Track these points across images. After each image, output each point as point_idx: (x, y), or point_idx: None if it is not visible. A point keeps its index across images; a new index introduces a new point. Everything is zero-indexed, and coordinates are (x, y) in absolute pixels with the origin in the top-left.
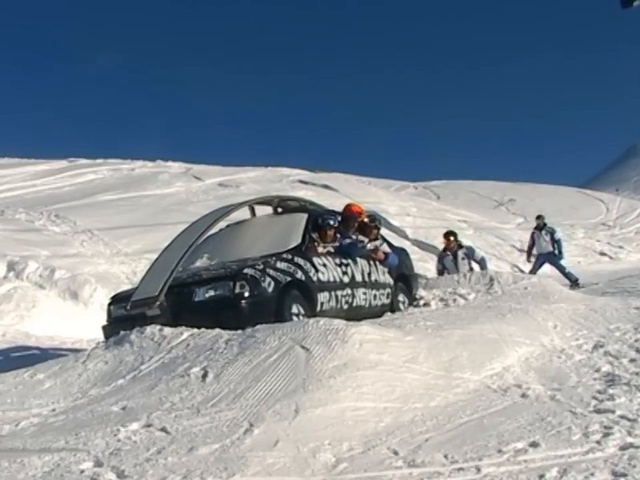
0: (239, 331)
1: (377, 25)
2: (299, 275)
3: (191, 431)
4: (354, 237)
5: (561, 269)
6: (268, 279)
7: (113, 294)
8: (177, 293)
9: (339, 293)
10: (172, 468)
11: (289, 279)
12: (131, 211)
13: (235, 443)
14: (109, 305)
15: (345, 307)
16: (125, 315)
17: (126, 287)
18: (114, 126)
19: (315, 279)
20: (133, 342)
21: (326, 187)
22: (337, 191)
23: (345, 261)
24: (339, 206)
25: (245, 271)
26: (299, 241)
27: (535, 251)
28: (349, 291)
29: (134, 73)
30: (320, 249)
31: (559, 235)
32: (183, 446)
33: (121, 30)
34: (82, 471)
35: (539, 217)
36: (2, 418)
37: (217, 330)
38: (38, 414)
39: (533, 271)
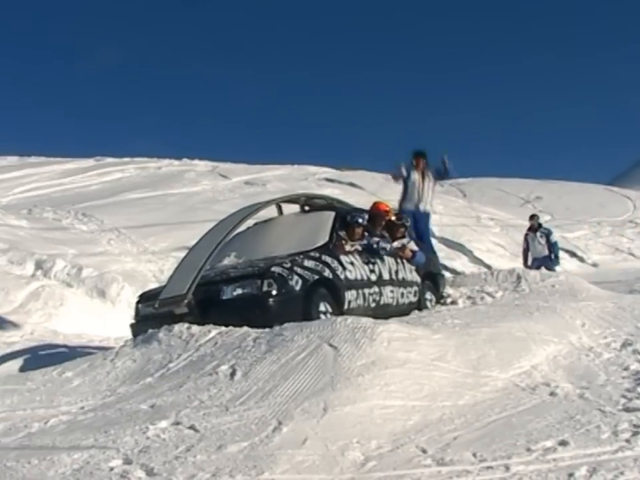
0: (267, 329)
1: (402, 18)
2: (327, 273)
3: (219, 429)
4: (382, 235)
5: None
6: (295, 277)
7: (140, 292)
8: (205, 291)
9: (367, 291)
10: (201, 466)
11: (316, 277)
12: (157, 210)
13: (264, 440)
14: (137, 303)
15: (373, 305)
16: (153, 313)
17: (153, 285)
18: (139, 124)
19: (342, 277)
20: (161, 340)
21: (352, 184)
22: (363, 189)
23: (372, 259)
24: (365, 204)
25: (273, 269)
26: (327, 239)
27: (529, 255)
28: (377, 289)
29: (151, 71)
30: (347, 247)
31: (554, 237)
32: (212, 444)
33: (142, 26)
34: (111, 469)
35: (532, 217)
36: (31, 416)
37: (245, 328)
38: (67, 412)
39: None
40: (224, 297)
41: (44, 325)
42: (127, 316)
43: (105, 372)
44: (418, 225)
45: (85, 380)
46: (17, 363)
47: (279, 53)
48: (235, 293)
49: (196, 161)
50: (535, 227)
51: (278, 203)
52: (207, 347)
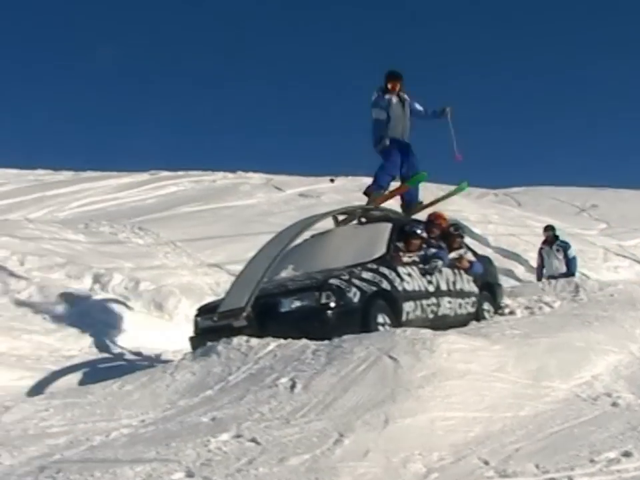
0: (326, 341)
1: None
2: (385, 284)
3: (281, 442)
4: (440, 245)
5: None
6: (354, 289)
7: (198, 305)
8: (263, 304)
9: (425, 302)
10: (263, 478)
11: (374, 288)
12: (212, 223)
13: (326, 453)
14: (196, 316)
15: (431, 316)
16: (212, 326)
17: (209, 298)
18: (196, 137)
19: (400, 288)
20: (220, 353)
21: None
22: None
23: (429, 270)
24: (419, 214)
25: (331, 281)
26: (384, 250)
27: (545, 272)
28: (435, 300)
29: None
30: (405, 259)
31: (573, 251)
32: (274, 456)
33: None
34: None
35: (547, 229)
36: (93, 429)
37: (304, 340)
38: (128, 425)
39: None
40: (282, 310)
41: (102, 338)
42: (184, 329)
43: (165, 385)
44: (411, 158)
45: (145, 393)
46: (76, 377)
47: (329, 63)
48: (293, 306)
49: (250, 174)
50: (550, 239)
51: (335, 215)
52: (266, 360)
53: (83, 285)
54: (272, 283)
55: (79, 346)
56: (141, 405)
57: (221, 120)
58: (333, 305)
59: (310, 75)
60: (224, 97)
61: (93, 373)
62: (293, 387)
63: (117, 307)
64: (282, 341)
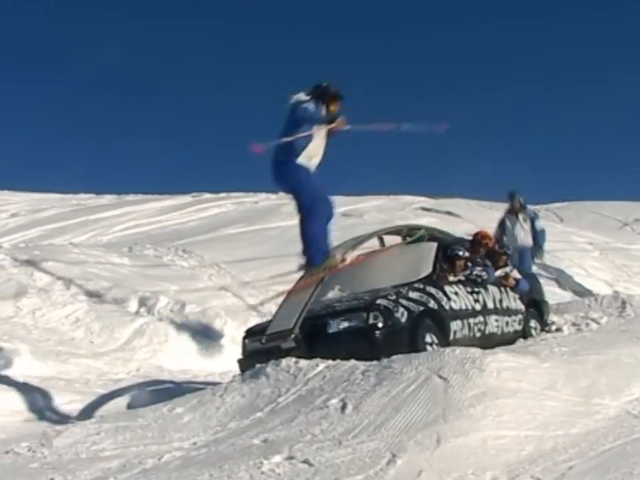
0: (375, 362)
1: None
2: (432, 304)
3: (334, 462)
4: (485, 263)
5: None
6: (401, 309)
7: (244, 327)
8: (311, 325)
9: (472, 320)
10: None
11: (421, 308)
12: (256, 244)
13: (379, 474)
14: (244, 338)
15: (478, 334)
16: (260, 348)
17: (255, 319)
18: (237, 159)
19: (447, 307)
20: (269, 375)
21: (449, 213)
22: (460, 217)
23: (476, 289)
24: (462, 232)
25: (378, 301)
26: (430, 269)
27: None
28: (482, 319)
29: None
30: (451, 278)
31: (541, 223)
32: (327, 477)
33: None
34: None
35: (513, 197)
36: (145, 452)
37: (353, 361)
38: (180, 447)
39: None
40: (330, 331)
41: (149, 362)
42: (231, 351)
43: (215, 407)
44: None
45: (196, 416)
46: (124, 400)
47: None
48: (341, 327)
49: None
50: (516, 208)
51: (380, 235)
52: (316, 381)
53: (129, 308)
54: (319, 304)
55: (126, 369)
56: (192, 428)
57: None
58: (380, 325)
59: (353, 91)
60: (265, 117)
61: (142, 396)
62: (343, 407)
63: (163, 330)
64: (331, 362)
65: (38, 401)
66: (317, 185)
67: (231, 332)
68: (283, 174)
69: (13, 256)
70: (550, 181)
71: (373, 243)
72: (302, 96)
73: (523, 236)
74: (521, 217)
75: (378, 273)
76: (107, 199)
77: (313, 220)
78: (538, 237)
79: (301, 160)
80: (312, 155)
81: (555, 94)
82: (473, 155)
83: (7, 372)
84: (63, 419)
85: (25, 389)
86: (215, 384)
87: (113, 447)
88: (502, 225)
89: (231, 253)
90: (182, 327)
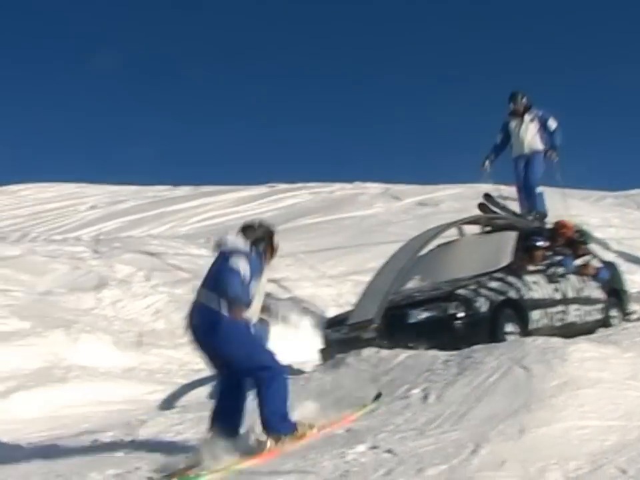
0: (456, 352)
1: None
2: (512, 293)
3: (417, 452)
4: (565, 252)
5: (532, 186)
6: (481, 299)
7: (327, 318)
8: (392, 315)
9: (552, 310)
10: None
11: (501, 297)
12: (332, 234)
13: (462, 463)
14: (325, 328)
15: (558, 324)
16: (342, 338)
17: (332, 309)
18: (312, 149)
19: (527, 297)
20: (351, 365)
21: None
22: None
23: (556, 278)
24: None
25: (458, 291)
26: (510, 259)
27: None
28: (562, 308)
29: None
30: (531, 267)
31: (554, 123)
32: (411, 467)
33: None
34: None
35: (514, 96)
36: None
37: (434, 351)
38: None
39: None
40: (411, 321)
41: None
42: (310, 341)
43: (297, 397)
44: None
45: None
46: (205, 390)
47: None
48: (421, 317)
49: (368, 184)
50: (519, 109)
51: (459, 225)
52: (397, 371)
53: None
54: (400, 294)
55: None
56: None
57: (336, 130)
58: (461, 315)
59: (431, 82)
60: (339, 107)
61: None
62: (425, 397)
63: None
64: (412, 351)
65: (120, 391)
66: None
67: (309, 322)
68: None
69: (93, 248)
70: (626, 168)
71: (452, 233)
72: (237, 241)
73: (530, 139)
74: (527, 117)
75: (457, 262)
76: (183, 190)
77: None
78: (552, 137)
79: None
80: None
81: (628, 75)
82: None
83: (90, 363)
84: (145, 409)
85: (107, 379)
86: (297, 374)
87: (196, 437)
88: (504, 128)
89: (308, 243)
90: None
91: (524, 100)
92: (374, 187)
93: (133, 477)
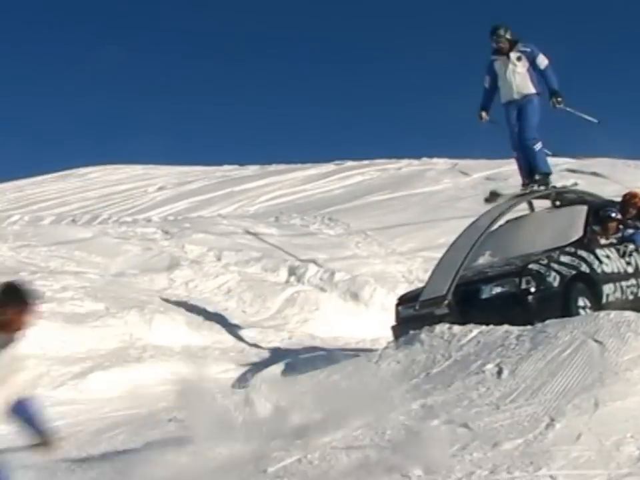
0: (529, 327)
1: None
2: (583, 267)
3: (492, 427)
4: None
5: (528, 142)
6: (553, 274)
7: (394, 294)
8: (464, 291)
9: (624, 283)
10: (478, 463)
11: (573, 272)
12: (401, 210)
13: (538, 437)
14: (397, 305)
15: (631, 297)
16: (414, 315)
17: (403, 286)
18: (378, 125)
19: (599, 271)
20: (423, 341)
21: (594, 174)
22: (606, 178)
23: (628, 251)
24: (609, 193)
25: (530, 266)
26: (581, 233)
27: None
28: (634, 281)
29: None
30: (602, 241)
31: (544, 60)
32: (487, 441)
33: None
34: (390, 467)
35: (495, 31)
36: (307, 418)
37: (506, 326)
38: (340, 413)
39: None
40: (483, 296)
41: (301, 329)
42: (380, 318)
43: (371, 374)
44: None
45: (353, 382)
46: (278, 368)
47: None
48: (493, 292)
49: (435, 159)
50: (503, 46)
51: (529, 200)
52: (470, 347)
53: (279, 278)
54: (471, 270)
55: (279, 338)
56: (348, 395)
57: (402, 106)
58: (533, 290)
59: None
60: (404, 84)
61: (295, 363)
62: (499, 372)
63: (313, 298)
64: (484, 327)
65: (195, 370)
66: None
67: (380, 299)
68: None
69: (164, 229)
70: None
71: (522, 207)
72: None
73: (520, 81)
74: (513, 56)
75: (528, 237)
76: (251, 169)
77: None
78: (545, 77)
79: None
80: None
81: None
82: (617, 112)
83: (164, 342)
84: (219, 387)
85: (182, 358)
86: (367, 351)
87: (273, 413)
88: (490, 70)
89: (377, 220)
90: (332, 294)
91: (507, 34)
92: (441, 163)
93: (209, 454)
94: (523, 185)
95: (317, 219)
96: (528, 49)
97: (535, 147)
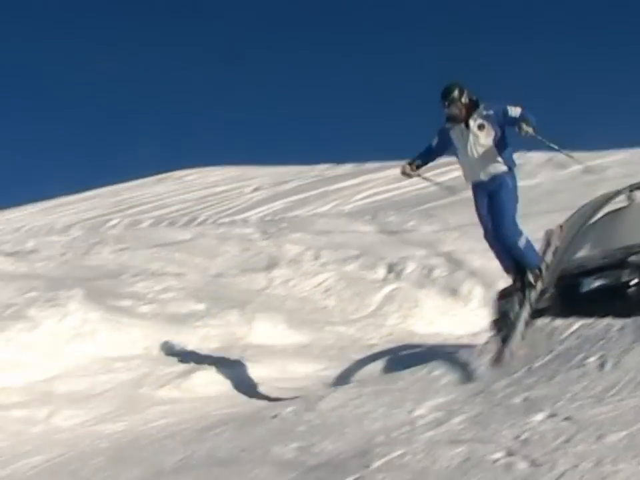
0: (630, 319)
1: None
2: None
3: (596, 420)
4: None
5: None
6: None
7: (493, 290)
8: (564, 285)
9: None
10: (582, 455)
11: None
12: None
13: None
14: (497, 299)
15: None
16: None
17: (501, 281)
18: None
19: None
20: (524, 335)
21: None
22: None
23: None
24: None
25: (631, 258)
26: None
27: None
28: None
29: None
30: None
31: (514, 108)
32: (591, 434)
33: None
34: (495, 461)
35: (448, 92)
36: (404, 414)
37: (607, 319)
38: (440, 408)
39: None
40: (583, 290)
41: (401, 326)
42: (480, 313)
43: (472, 369)
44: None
45: (453, 377)
46: (379, 365)
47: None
48: (594, 285)
49: (531, 153)
50: (461, 116)
51: (628, 191)
52: (571, 340)
53: (377, 275)
54: (571, 263)
55: (378, 335)
56: (450, 390)
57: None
58: (634, 282)
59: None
60: (500, 75)
61: (396, 360)
62: (602, 365)
63: (412, 295)
64: (585, 320)
65: (296, 368)
66: None
67: (479, 294)
68: None
69: (261, 229)
70: None
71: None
72: None
73: (485, 158)
74: (473, 124)
75: (628, 229)
76: (345, 168)
77: None
78: (524, 119)
79: None
80: None
81: None
82: None
83: (265, 341)
84: (321, 385)
85: (283, 357)
86: (467, 346)
87: (374, 409)
88: (443, 136)
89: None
90: (430, 291)
91: (463, 98)
92: (537, 156)
93: (315, 449)
94: (513, 281)
95: (413, 216)
96: (491, 111)
97: (518, 244)
